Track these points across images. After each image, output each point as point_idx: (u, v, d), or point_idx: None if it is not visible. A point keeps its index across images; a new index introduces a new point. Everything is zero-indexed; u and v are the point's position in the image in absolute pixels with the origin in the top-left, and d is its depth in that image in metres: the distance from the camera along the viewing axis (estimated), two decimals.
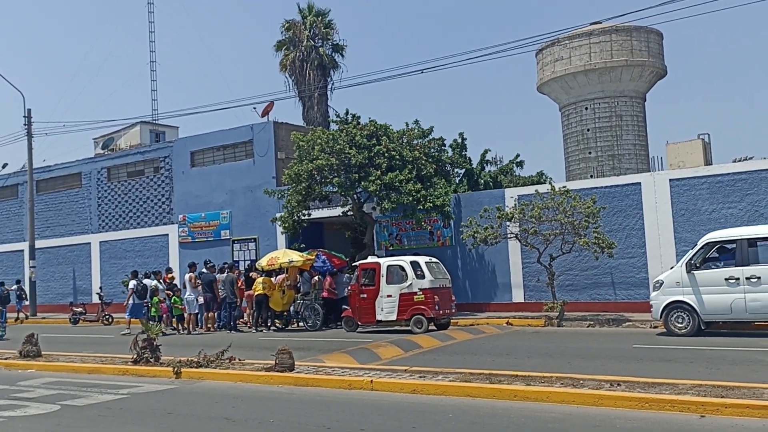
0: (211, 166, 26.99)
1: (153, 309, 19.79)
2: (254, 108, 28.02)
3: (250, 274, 20.47)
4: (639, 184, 19.03)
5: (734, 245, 13.74)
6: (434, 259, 17.98)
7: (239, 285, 20.35)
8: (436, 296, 16.67)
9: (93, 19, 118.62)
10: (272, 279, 19.60)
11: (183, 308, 19.95)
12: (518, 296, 20.36)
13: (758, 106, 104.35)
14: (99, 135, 37.55)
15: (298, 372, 10.37)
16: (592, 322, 16.94)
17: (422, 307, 16.62)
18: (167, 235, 27.65)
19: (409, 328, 16.63)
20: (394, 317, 17.00)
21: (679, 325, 13.97)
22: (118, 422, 8.05)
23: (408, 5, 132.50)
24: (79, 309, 25.64)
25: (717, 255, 14.16)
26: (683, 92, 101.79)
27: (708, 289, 13.69)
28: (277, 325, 19.78)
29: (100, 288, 26.61)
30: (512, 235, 18.82)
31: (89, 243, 30.12)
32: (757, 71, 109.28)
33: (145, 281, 20.72)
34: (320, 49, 35.28)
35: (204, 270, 20.72)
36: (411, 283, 16.83)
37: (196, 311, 20.25)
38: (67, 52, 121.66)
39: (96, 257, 29.74)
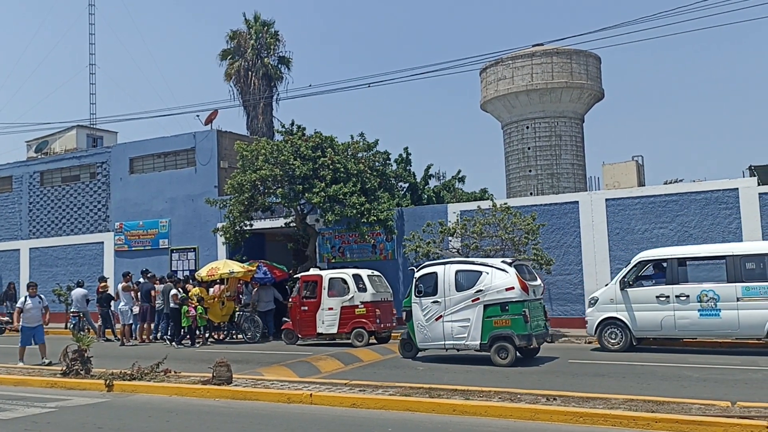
0: (150, 173, 26.35)
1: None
2: (197, 116, 27.62)
3: (186, 286, 19.73)
4: (577, 202, 19.56)
5: (665, 264, 14.28)
6: (376, 273, 18.00)
7: None
8: (377, 309, 16.70)
9: (30, 18, 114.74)
10: (207, 291, 19.17)
11: (204, 317, 18.42)
12: None
13: (688, 130, 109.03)
14: (32, 138, 36.24)
15: (236, 385, 10.20)
16: None
17: (363, 320, 16.61)
18: (102, 243, 26.79)
19: (349, 341, 16.58)
20: (335, 330, 16.92)
21: (613, 341, 14.39)
22: None
23: (355, 20, 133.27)
24: (5, 318, 24.54)
25: (649, 273, 14.68)
26: (619, 115, 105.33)
27: (640, 306, 14.17)
28: (215, 337, 19.41)
29: None
30: (454, 250, 19.03)
31: (18, 249, 28.91)
32: (687, 97, 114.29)
33: (75, 290, 20.09)
34: (266, 59, 35.07)
35: (141, 279, 20.14)
36: (353, 296, 16.80)
37: (130, 322, 19.68)
38: (0, 52, 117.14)
39: (25, 264, 28.56)
